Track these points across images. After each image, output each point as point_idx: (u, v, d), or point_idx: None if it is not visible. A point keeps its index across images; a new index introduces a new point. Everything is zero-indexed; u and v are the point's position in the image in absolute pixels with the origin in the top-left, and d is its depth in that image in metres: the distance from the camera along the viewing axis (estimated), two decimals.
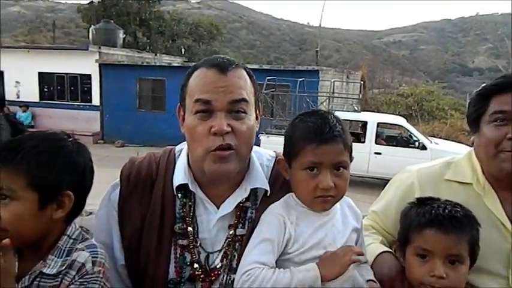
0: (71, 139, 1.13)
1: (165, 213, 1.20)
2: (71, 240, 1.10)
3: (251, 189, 1.21)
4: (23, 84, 17.92)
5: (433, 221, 1.19)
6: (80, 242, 1.10)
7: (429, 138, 11.36)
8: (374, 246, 1.40)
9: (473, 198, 1.31)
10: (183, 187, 1.20)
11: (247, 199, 1.21)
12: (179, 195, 1.21)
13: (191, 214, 1.20)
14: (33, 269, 1.05)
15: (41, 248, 1.08)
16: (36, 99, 17.71)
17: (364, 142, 10.63)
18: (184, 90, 1.18)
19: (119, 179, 1.26)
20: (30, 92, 17.73)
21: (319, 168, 1.12)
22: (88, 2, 29.97)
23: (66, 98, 17.65)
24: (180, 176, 1.21)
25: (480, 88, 1.37)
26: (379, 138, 10.95)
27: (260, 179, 1.22)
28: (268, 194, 1.22)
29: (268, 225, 1.13)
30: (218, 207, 1.21)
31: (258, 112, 1.23)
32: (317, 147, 1.10)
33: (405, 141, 10.97)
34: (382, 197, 1.57)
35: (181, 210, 1.20)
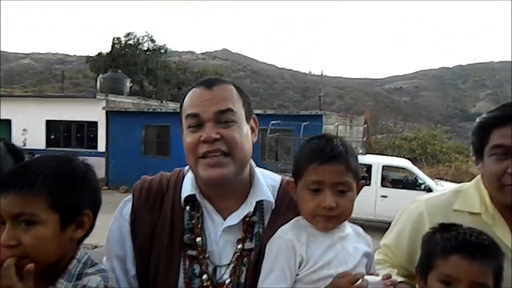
0: (79, 160, 1.16)
1: (174, 224, 1.23)
2: (81, 265, 1.09)
3: (256, 203, 1.24)
4: (30, 132, 18.22)
5: (460, 247, 1.15)
6: (89, 267, 1.10)
7: (435, 180, 11.27)
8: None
9: (483, 227, 1.28)
10: (191, 200, 1.24)
11: (253, 214, 1.24)
12: (187, 207, 1.24)
13: (199, 226, 1.23)
14: None
15: (50, 272, 1.06)
16: (43, 146, 17.92)
17: (369, 185, 10.54)
18: (181, 112, 1.26)
19: (131, 195, 1.30)
20: (37, 139, 17.97)
21: (322, 188, 1.14)
22: (96, 53, 31.14)
23: (72, 144, 17.86)
24: (188, 188, 1.26)
25: (481, 119, 1.38)
26: (385, 181, 10.88)
27: (265, 192, 1.26)
28: (273, 208, 1.26)
29: (278, 252, 1.13)
30: (225, 220, 1.23)
31: (254, 124, 1.29)
32: (318, 166, 1.13)
33: (411, 183, 10.87)
34: (392, 229, 1.55)
35: (189, 222, 1.23)
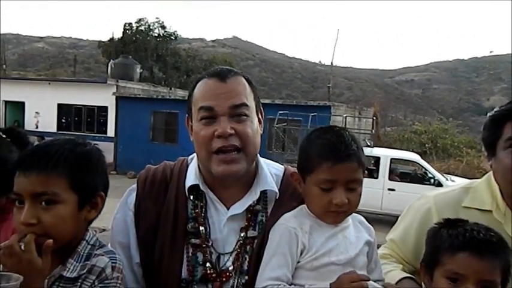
0: (91, 144, 1.19)
1: (178, 213, 1.24)
2: (89, 246, 1.12)
3: (261, 193, 1.25)
4: (42, 115, 18.41)
5: (468, 244, 1.14)
6: (97, 248, 1.13)
7: (445, 175, 11.16)
8: (394, 273, 1.37)
9: (493, 225, 1.25)
10: (194, 189, 1.25)
11: (257, 202, 1.26)
12: (191, 196, 1.26)
13: (203, 215, 1.24)
14: (53, 273, 1.06)
15: (60, 251, 1.08)
16: (54, 129, 18.11)
17: (377, 178, 10.48)
18: (190, 101, 1.26)
19: (135, 185, 1.32)
20: (49, 122, 18.17)
21: (334, 185, 1.13)
22: (108, 38, 31.17)
23: (82, 129, 18.03)
24: (192, 178, 1.27)
25: (493, 112, 1.35)
26: (393, 174, 10.79)
27: (269, 182, 1.27)
28: (277, 197, 1.27)
29: (280, 238, 1.15)
30: (228, 209, 1.25)
31: (260, 116, 1.29)
32: (333, 165, 1.12)
33: (420, 177, 10.79)
34: (399, 224, 1.54)
35: (193, 211, 1.24)
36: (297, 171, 1.23)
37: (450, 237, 1.17)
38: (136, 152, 16.25)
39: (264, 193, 1.26)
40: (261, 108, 1.31)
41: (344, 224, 1.19)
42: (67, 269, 1.07)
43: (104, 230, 1.18)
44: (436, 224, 1.26)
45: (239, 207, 1.23)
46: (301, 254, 1.14)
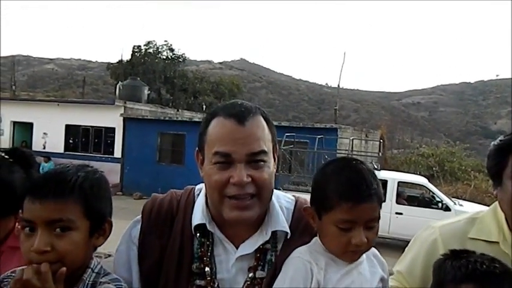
0: (98, 170, 1.19)
1: (183, 251, 1.20)
2: (94, 274, 1.11)
3: (271, 232, 1.20)
4: (50, 136, 18.59)
5: (470, 276, 1.12)
6: (103, 276, 1.11)
7: (453, 199, 11.02)
8: None
9: (500, 257, 1.23)
10: (201, 227, 1.20)
11: (267, 241, 1.20)
12: (197, 234, 1.21)
13: (209, 254, 1.19)
14: None
15: (65, 280, 1.06)
16: (61, 150, 18.25)
17: (384, 201, 10.29)
18: (203, 139, 1.18)
19: (140, 216, 1.28)
20: (56, 143, 18.33)
21: (353, 225, 1.10)
22: (117, 60, 31.72)
23: (89, 149, 18.15)
24: (198, 215, 1.21)
25: (498, 141, 1.34)
26: (400, 198, 10.68)
27: (281, 222, 1.21)
28: (288, 237, 1.21)
29: (295, 272, 1.11)
30: (237, 247, 1.20)
31: (275, 153, 1.23)
32: (353, 206, 1.08)
33: (427, 201, 10.66)
34: (405, 255, 1.52)
35: (199, 250, 1.20)
36: (309, 204, 1.19)
37: (453, 269, 1.16)
38: (143, 173, 16.29)
39: (274, 232, 1.20)
40: (277, 145, 1.25)
41: (359, 260, 1.16)
42: None
43: (109, 256, 1.16)
44: (442, 255, 1.24)
45: (249, 247, 1.18)
46: None
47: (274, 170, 1.20)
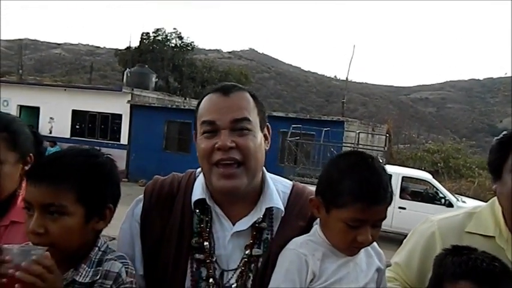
0: (104, 154, 1.21)
1: (183, 227, 1.24)
2: (100, 252, 1.15)
3: (266, 210, 1.24)
4: (56, 121, 18.71)
5: (470, 272, 1.15)
6: (108, 254, 1.15)
7: (456, 196, 11.02)
8: None
9: (496, 252, 1.26)
10: (201, 204, 1.25)
11: (262, 220, 1.24)
12: (197, 211, 1.26)
13: (208, 230, 1.24)
14: (65, 276, 1.09)
15: (73, 256, 1.11)
16: (67, 135, 18.37)
17: None
18: (196, 116, 1.27)
19: (142, 195, 1.32)
20: (63, 128, 18.44)
21: (362, 224, 1.11)
22: (125, 47, 31.70)
23: (96, 135, 18.26)
24: (198, 191, 1.27)
25: (501, 136, 1.37)
26: (404, 193, 10.70)
27: (275, 200, 1.26)
28: (282, 215, 1.25)
29: (290, 264, 1.14)
30: (234, 225, 1.24)
31: (266, 132, 1.29)
32: (368, 207, 1.09)
33: (431, 197, 10.67)
34: (403, 247, 1.55)
35: (198, 226, 1.25)
36: (315, 195, 1.20)
37: (453, 265, 1.18)
38: (149, 160, 16.38)
39: (269, 210, 1.25)
40: (268, 124, 1.30)
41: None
42: (80, 274, 1.10)
43: (113, 239, 1.20)
44: (443, 250, 1.26)
45: (244, 223, 1.23)
46: (311, 281, 1.12)
47: (266, 146, 1.25)
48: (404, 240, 1.56)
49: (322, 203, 1.16)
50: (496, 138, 1.39)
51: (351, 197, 1.09)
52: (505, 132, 1.38)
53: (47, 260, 0.99)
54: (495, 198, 1.39)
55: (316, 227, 1.20)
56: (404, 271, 1.48)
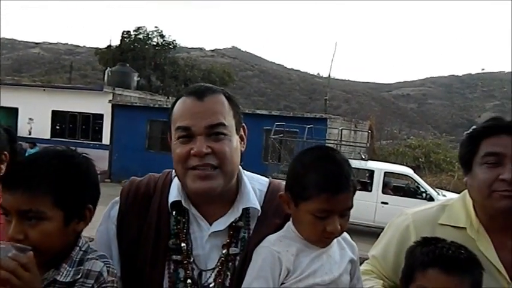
0: (80, 154, 1.19)
1: (160, 228, 1.24)
2: (82, 252, 1.14)
3: (243, 209, 1.25)
4: (36, 122, 18.35)
5: (436, 260, 1.19)
6: (90, 253, 1.14)
7: (437, 190, 11.24)
8: None
9: (467, 242, 1.30)
10: (177, 205, 1.25)
11: (239, 219, 1.25)
12: (174, 212, 1.25)
13: (185, 231, 1.24)
14: (46, 276, 1.08)
15: (52, 257, 1.10)
16: (48, 136, 18.05)
17: (371, 191, 10.53)
18: (170, 119, 1.26)
19: (119, 197, 1.32)
20: (42, 129, 18.11)
21: (329, 214, 1.14)
22: (106, 46, 31.28)
23: (77, 136, 17.99)
24: (174, 193, 1.26)
25: (471, 130, 1.40)
26: (386, 188, 10.87)
27: (252, 200, 1.26)
28: (259, 214, 1.26)
29: (263, 261, 1.15)
30: (211, 225, 1.24)
31: (243, 133, 1.29)
32: (332, 196, 1.12)
33: (412, 191, 10.87)
34: (380, 240, 1.58)
35: (175, 227, 1.24)
36: (285, 190, 1.22)
37: (422, 254, 1.22)
38: (132, 160, 16.23)
39: (246, 210, 1.25)
40: (244, 125, 1.30)
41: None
42: (60, 273, 1.09)
43: (92, 240, 1.19)
44: (414, 242, 1.29)
45: (221, 223, 1.23)
46: (286, 276, 1.14)
47: (241, 148, 1.26)
48: (381, 233, 1.59)
49: (290, 198, 1.19)
50: (465, 132, 1.42)
51: (316, 189, 1.12)
52: (474, 127, 1.42)
53: (25, 258, 0.98)
54: (466, 190, 1.43)
55: (289, 223, 1.22)
56: (380, 263, 1.51)
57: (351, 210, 1.17)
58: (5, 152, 1.39)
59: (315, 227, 1.14)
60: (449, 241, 1.25)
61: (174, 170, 1.33)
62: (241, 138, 1.28)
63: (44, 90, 19.08)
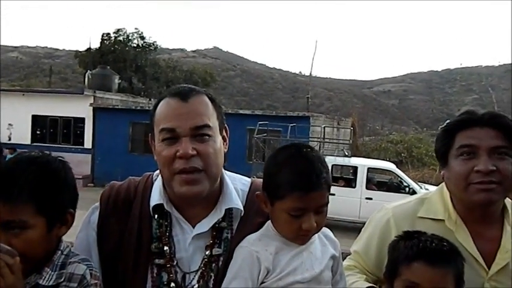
0: (56, 158, 1.18)
1: (142, 233, 1.23)
2: (63, 256, 1.14)
3: (226, 210, 1.25)
4: (15, 127, 17.98)
5: (421, 253, 1.21)
6: (71, 257, 1.14)
7: (419, 183, 11.43)
8: (359, 283, 1.42)
9: (445, 234, 1.33)
10: (159, 208, 1.24)
11: (222, 220, 1.25)
12: (156, 216, 1.24)
13: (167, 234, 1.23)
14: (28, 280, 1.08)
15: (35, 263, 1.10)
16: (28, 141, 17.70)
17: (355, 187, 10.65)
18: (152, 120, 1.25)
19: (99, 203, 1.30)
20: (22, 134, 17.75)
21: (304, 212, 1.14)
22: (85, 48, 30.80)
23: (58, 140, 17.69)
24: (156, 196, 1.25)
25: (445, 124, 1.43)
26: (370, 184, 10.99)
27: (234, 200, 1.26)
28: (242, 214, 1.26)
29: (242, 261, 1.16)
30: (194, 227, 1.24)
31: (225, 134, 1.29)
32: (305, 194, 1.13)
33: (396, 186, 11.03)
34: (361, 236, 1.60)
35: (157, 230, 1.24)
36: (262, 189, 1.22)
37: (406, 248, 1.24)
38: (115, 163, 16.02)
39: (229, 210, 1.26)
40: (226, 126, 1.30)
41: (310, 240, 1.21)
42: (43, 277, 1.09)
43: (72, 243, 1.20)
44: (396, 236, 1.32)
45: (204, 225, 1.23)
46: (266, 275, 1.14)
47: (224, 149, 1.26)
48: (363, 228, 1.61)
49: (267, 197, 1.19)
50: (440, 127, 1.46)
51: (288, 188, 1.13)
52: (448, 121, 1.45)
53: (11, 259, 0.98)
54: (443, 183, 1.46)
55: (268, 222, 1.23)
56: (363, 258, 1.53)
57: (327, 206, 1.18)
58: None
59: (291, 225, 1.15)
60: (430, 234, 1.28)
61: (154, 173, 1.33)
62: (224, 139, 1.28)
63: (23, 94, 18.70)
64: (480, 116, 1.37)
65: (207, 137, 1.19)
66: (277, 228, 1.19)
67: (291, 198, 1.13)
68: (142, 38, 31.35)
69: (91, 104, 17.27)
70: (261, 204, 1.22)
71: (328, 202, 1.18)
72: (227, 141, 1.30)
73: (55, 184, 1.12)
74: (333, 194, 9.94)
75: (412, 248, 1.23)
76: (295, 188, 1.13)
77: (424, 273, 1.19)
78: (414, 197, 1.57)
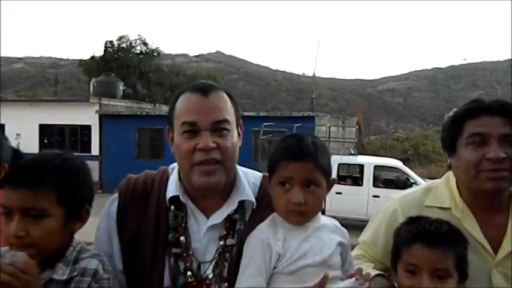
0: (77, 157, 1.24)
1: (159, 223, 1.28)
2: (76, 251, 1.18)
3: (239, 202, 1.30)
4: (23, 137, 18.12)
5: (419, 236, 1.23)
6: (83, 253, 1.18)
7: (427, 180, 11.36)
8: (367, 272, 1.42)
9: (453, 222, 1.34)
10: (175, 200, 1.30)
11: (235, 212, 1.30)
12: (172, 207, 1.30)
13: (183, 225, 1.28)
14: (43, 276, 1.11)
15: (49, 256, 1.13)
16: (36, 150, 17.74)
17: (362, 185, 10.62)
18: (172, 114, 1.30)
19: (117, 194, 1.36)
20: (30, 144, 17.87)
21: (291, 184, 1.20)
22: (89, 57, 31.04)
23: (66, 148, 17.78)
24: (172, 189, 1.31)
25: (453, 113, 1.44)
26: (377, 181, 10.96)
27: (247, 192, 1.32)
28: (254, 206, 1.31)
29: (253, 249, 1.20)
30: (208, 219, 1.29)
31: (239, 130, 1.35)
32: (289, 163, 1.19)
33: (403, 183, 10.95)
34: (369, 226, 1.62)
35: (174, 221, 1.29)
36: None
37: (406, 232, 1.27)
38: (122, 169, 15.89)
39: (242, 202, 1.31)
40: (241, 122, 1.36)
41: (317, 225, 1.25)
42: (56, 272, 1.12)
43: (90, 244, 1.21)
44: (400, 223, 1.34)
45: (218, 216, 1.28)
46: (277, 260, 1.18)
47: (239, 144, 1.31)
48: (370, 219, 1.63)
49: (268, 178, 1.27)
50: (447, 116, 1.47)
51: (277, 159, 1.22)
52: (455, 109, 1.46)
53: (22, 262, 1.01)
54: (449, 172, 1.48)
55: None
56: (371, 248, 1.55)
57: (319, 188, 1.21)
58: (5, 164, 1.42)
59: (281, 199, 1.21)
60: (433, 218, 1.29)
61: (169, 167, 1.38)
62: (239, 134, 1.34)
63: (30, 104, 18.90)
64: (489, 104, 1.38)
65: (225, 131, 1.25)
66: (275, 206, 1.24)
67: (278, 168, 1.21)
68: (145, 44, 31.55)
69: (97, 111, 17.40)
70: (268, 188, 1.28)
71: (319, 181, 1.21)
72: (241, 136, 1.35)
73: (76, 178, 1.17)
74: (340, 193, 10.02)
75: (411, 231, 1.26)
76: (281, 158, 1.21)
77: (422, 255, 1.21)
78: (420, 187, 1.59)
